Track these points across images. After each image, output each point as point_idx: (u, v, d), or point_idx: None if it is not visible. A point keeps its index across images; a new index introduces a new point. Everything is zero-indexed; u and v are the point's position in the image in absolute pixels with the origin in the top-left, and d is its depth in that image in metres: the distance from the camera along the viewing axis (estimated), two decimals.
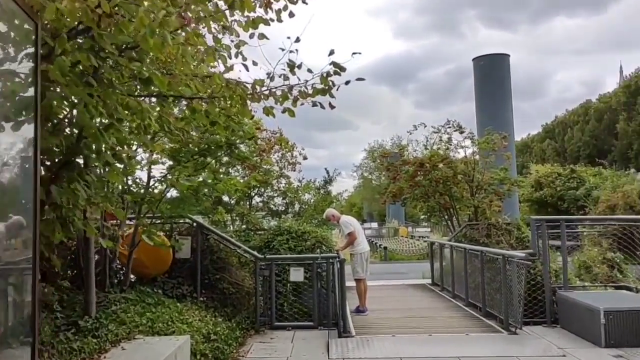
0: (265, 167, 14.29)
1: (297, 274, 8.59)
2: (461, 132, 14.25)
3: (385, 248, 25.38)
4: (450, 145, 14.23)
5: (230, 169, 13.88)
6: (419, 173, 13.80)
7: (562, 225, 8.56)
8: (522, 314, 7.66)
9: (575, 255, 12.21)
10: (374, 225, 45.12)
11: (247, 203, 14.25)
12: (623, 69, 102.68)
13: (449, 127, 14.28)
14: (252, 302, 8.63)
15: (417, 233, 37.82)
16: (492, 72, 18.29)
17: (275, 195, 14.65)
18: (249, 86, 4.42)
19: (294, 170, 14.73)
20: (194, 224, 8.62)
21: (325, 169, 15.35)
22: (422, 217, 26.78)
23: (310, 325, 8.55)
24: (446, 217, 14.47)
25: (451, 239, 13.39)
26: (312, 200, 14.72)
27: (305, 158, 15.25)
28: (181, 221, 8.66)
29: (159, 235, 6.37)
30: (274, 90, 4.38)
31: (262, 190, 14.42)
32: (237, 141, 7.56)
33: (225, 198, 14.36)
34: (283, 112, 4.34)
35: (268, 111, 4.50)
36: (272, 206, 14.36)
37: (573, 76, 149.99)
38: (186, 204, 7.58)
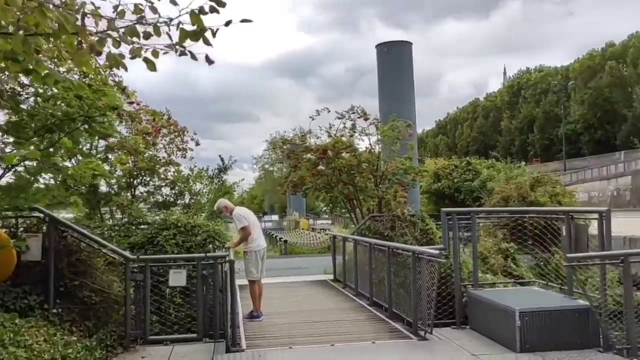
0: (150, 152, 12.60)
1: (177, 278, 7.21)
2: (366, 119, 13.48)
3: (285, 241, 24.35)
4: (355, 132, 13.42)
5: (109, 154, 12.07)
6: (321, 161, 12.84)
7: (472, 218, 7.93)
8: (434, 316, 6.87)
9: (470, 246, 11.78)
10: (275, 217, 44.05)
11: (130, 193, 12.47)
12: (507, 71, 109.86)
13: (353, 113, 13.45)
14: (122, 313, 7.13)
15: (318, 225, 37.32)
16: (395, 60, 17.78)
17: (163, 184, 12.99)
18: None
19: (184, 157, 13.17)
20: (46, 218, 6.92)
21: (220, 156, 13.96)
22: (324, 208, 26.11)
23: (194, 337, 7.22)
24: (349, 208, 13.67)
25: (354, 231, 12.60)
26: (204, 191, 13.24)
27: (197, 144, 13.70)
28: (32, 215, 6.93)
29: None
30: (121, 28, 3.03)
31: (147, 179, 12.71)
32: (97, 113, 6.00)
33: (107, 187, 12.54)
34: (132, 57, 3.01)
35: (115, 60, 3.15)
36: (158, 197, 12.69)
37: (462, 77, 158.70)
38: (27, 191, 5.92)
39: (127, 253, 7.21)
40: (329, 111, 13.59)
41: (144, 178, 12.64)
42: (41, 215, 6.89)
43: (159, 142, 13.00)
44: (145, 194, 12.60)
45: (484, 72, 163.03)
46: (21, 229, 6.90)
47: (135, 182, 12.53)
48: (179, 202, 13.02)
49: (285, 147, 13.49)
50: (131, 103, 11.26)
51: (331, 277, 12.89)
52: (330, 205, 13.82)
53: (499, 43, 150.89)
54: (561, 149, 61.91)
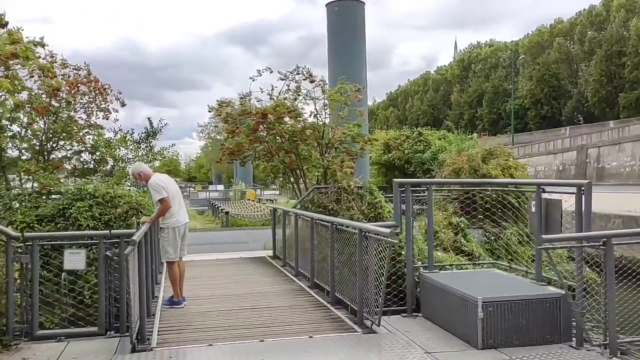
0: (66, 112, 10.97)
1: (74, 259, 5.89)
2: (312, 81, 12.26)
3: (227, 213, 23.02)
4: (299, 95, 12.20)
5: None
6: (261, 127, 11.59)
7: (429, 190, 6.92)
8: (383, 305, 5.87)
9: (420, 220, 10.98)
10: (220, 187, 42.43)
11: (42, 158, 10.85)
12: (457, 45, 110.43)
13: (298, 74, 12.21)
14: (3, 303, 5.78)
15: (265, 196, 36.14)
16: (346, 20, 16.54)
17: (83, 149, 11.41)
18: None
19: (107, 119, 11.60)
20: None
21: (148, 118, 12.43)
22: (268, 179, 24.90)
23: (94, 332, 5.97)
24: (292, 179, 12.54)
25: (296, 204, 11.52)
26: (128, 157, 11.75)
27: (123, 104, 12.11)
28: None
29: None
30: None
31: (62, 143, 11.10)
32: None
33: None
34: None
35: None
36: (76, 164, 11.12)
37: (413, 50, 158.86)
38: None
39: (8, 229, 5.79)
40: (272, 71, 12.28)
41: (59, 142, 11.05)
42: None
43: (76, 101, 11.36)
44: (62, 159, 11.01)
45: (435, 45, 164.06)
46: None
47: (48, 145, 10.92)
48: (100, 169, 11.52)
49: (223, 110, 12.10)
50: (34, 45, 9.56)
51: (271, 253, 11.81)
52: (271, 175, 12.63)
53: (450, 17, 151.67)
54: (509, 123, 62.73)
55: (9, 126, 10.29)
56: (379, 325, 5.88)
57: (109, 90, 11.74)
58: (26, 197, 9.59)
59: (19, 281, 5.83)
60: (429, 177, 18.27)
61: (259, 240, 14.80)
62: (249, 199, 30.66)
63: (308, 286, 8.30)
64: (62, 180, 11.19)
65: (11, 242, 5.61)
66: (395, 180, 6.95)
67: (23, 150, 10.70)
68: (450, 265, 7.78)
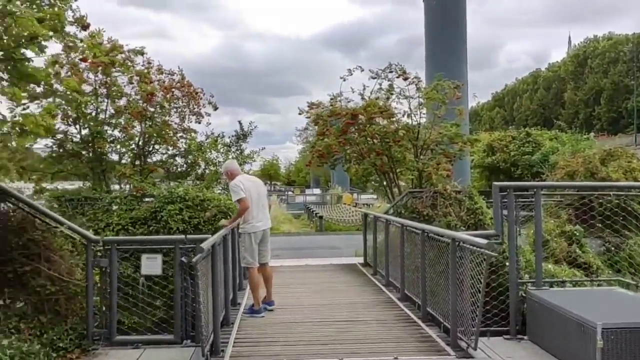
0: (161, 117, 11.22)
1: (151, 265, 5.73)
2: (405, 79, 11.57)
3: (320, 217, 22.77)
4: (392, 94, 11.56)
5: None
6: (351, 128, 11.10)
7: (537, 194, 6.01)
8: (480, 324, 5.11)
9: (528, 228, 9.88)
10: (317, 191, 42.50)
11: (139, 162, 11.17)
12: (572, 40, 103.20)
13: (391, 72, 11.57)
14: (84, 307, 5.75)
15: (362, 200, 35.62)
16: (444, 15, 15.59)
17: (176, 153, 11.63)
18: None
19: (199, 123, 11.72)
20: None
21: (239, 121, 12.41)
22: (368, 183, 24.34)
23: (170, 340, 5.77)
24: (385, 183, 11.90)
25: (388, 209, 10.88)
26: (219, 160, 11.77)
27: (215, 108, 12.23)
28: None
29: None
30: None
31: (157, 147, 11.36)
32: (22, 50, 4.51)
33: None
34: None
35: None
36: (169, 167, 11.34)
37: (521, 48, 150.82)
38: None
39: (89, 232, 5.75)
40: (362, 70, 11.74)
41: (154, 146, 11.32)
42: None
43: (171, 106, 11.59)
44: (156, 163, 11.27)
45: (545, 42, 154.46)
46: None
47: (145, 149, 11.22)
48: (192, 172, 11.66)
49: (313, 112, 11.77)
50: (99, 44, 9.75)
51: (362, 260, 11.25)
52: (363, 178, 12.07)
53: (563, 11, 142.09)
54: (631, 122, 57.15)
55: (108, 131, 10.67)
56: (475, 348, 5.11)
57: (202, 94, 11.87)
58: (122, 199, 9.84)
59: (98, 285, 5.77)
60: (538, 181, 16.77)
61: (351, 246, 14.30)
62: (345, 203, 30.30)
63: (398, 298, 7.64)
64: (157, 184, 11.48)
65: (91, 245, 5.55)
66: (495, 183, 6.11)
67: (122, 154, 11.06)
68: (563, 281, 6.74)
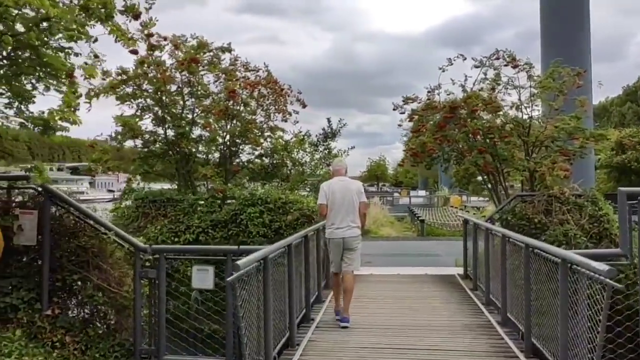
0: (248, 116, 10.81)
1: (203, 277, 5.11)
2: (515, 66, 10.15)
3: (422, 221, 21.41)
4: (498, 84, 10.19)
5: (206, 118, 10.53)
6: (450, 124, 9.91)
7: None
8: None
9: None
10: (422, 193, 40.77)
11: (225, 162, 10.83)
12: None
13: (497, 59, 10.21)
14: (130, 322, 5.30)
15: (472, 203, 33.48)
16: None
17: (263, 153, 11.16)
18: None
19: (285, 121, 11.18)
20: (40, 191, 5.26)
21: (328, 119, 11.66)
22: (470, 185, 22.63)
23: None
24: (489, 185, 10.55)
25: (493, 215, 9.58)
26: (305, 160, 11.15)
27: (304, 106, 11.62)
28: (29, 185, 5.34)
29: None
30: None
31: (242, 147, 10.97)
32: (54, 39, 4.06)
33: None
34: None
35: None
36: (255, 167, 10.88)
37: None
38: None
39: (137, 240, 5.26)
40: (465, 59, 10.48)
41: (240, 146, 10.94)
42: (34, 186, 5.26)
43: (259, 104, 11.15)
44: (238, 163, 10.88)
45: None
46: (13, 204, 5.36)
47: (229, 150, 10.88)
48: (278, 173, 11.13)
49: (408, 104, 10.70)
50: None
51: (461, 271, 10.01)
52: (464, 180, 10.79)
53: None
54: None
55: (194, 131, 10.46)
56: None
57: (289, 92, 11.32)
58: (204, 201, 9.53)
59: (147, 298, 5.28)
60: None
61: (453, 253, 13.01)
62: (452, 206, 28.56)
63: (498, 322, 6.44)
64: (245, 185, 11.10)
65: (140, 254, 5.07)
66: (622, 189, 4.76)
67: (209, 155, 10.81)
68: None
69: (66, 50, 4.63)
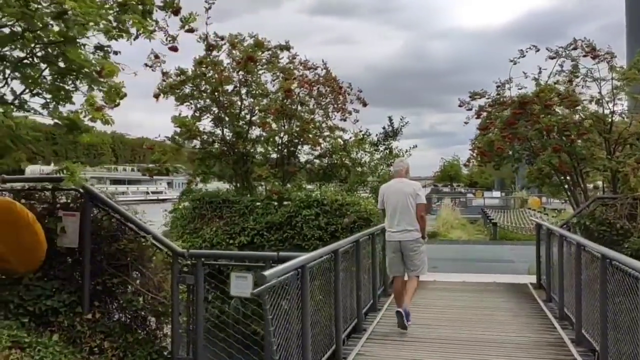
0: (306, 115, 10.56)
1: (241, 284, 4.83)
2: (594, 57, 9.24)
3: (494, 224, 20.27)
4: (577, 76, 9.33)
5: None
6: (520, 119, 9.17)
7: None
8: None
9: None
10: (497, 194, 38.88)
11: (283, 163, 10.63)
12: None
13: (574, 50, 9.35)
14: (167, 331, 5.14)
15: (553, 205, 31.54)
16: None
17: (321, 153, 10.86)
18: None
19: (344, 120, 10.81)
20: (81, 192, 5.20)
21: (389, 117, 11.14)
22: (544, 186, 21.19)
23: None
24: (566, 186, 9.67)
25: (570, 219, 8.76)
26: (365, 160, 10.70)
27: (364, 104, 11.21)
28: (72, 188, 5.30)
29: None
30: None
31: (301, 148, 10.72)
32: (85, 35, 3.93)
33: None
34: None
35: None
36: (312, 167, 10.60)
37: None
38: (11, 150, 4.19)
39: (175, 245, 5.08)
40: (538, 50, 9.68)
41: (298, 146, 10.71)
42: (77, 188, 5.19)
43: (318, 103, 10.88)
44: (295, 164, 10.65)
45: None
46: (57, 205, 5.35)
47: (286, 151, 10.68)
48: (337, 174, 10.79)
49: (474, 99, 10.03)
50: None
51: (534, 280, 9.23)
52: (538, 181, 9.95)
53: None
54: None
55: (252, 131, 10.33)
56: None
57: (349, 90, 10.96)
58: (259, 203, 9.38)
59: (185, 305, 5.10)
60: None
61: (527, 259, 12.13)
62: (530, 208, 26.97)
63: (572, 339, 5.76)
64: (303, 186, 10.87)
65: (177, 259, 4.88)
66: None
67: (267, 155, 10.66)
68: None
69: (105, 48, 4.55)
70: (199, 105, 10.28)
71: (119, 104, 4.68)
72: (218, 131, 10.25)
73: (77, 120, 4.11)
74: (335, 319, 5.21)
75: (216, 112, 10.38)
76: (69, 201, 5.30)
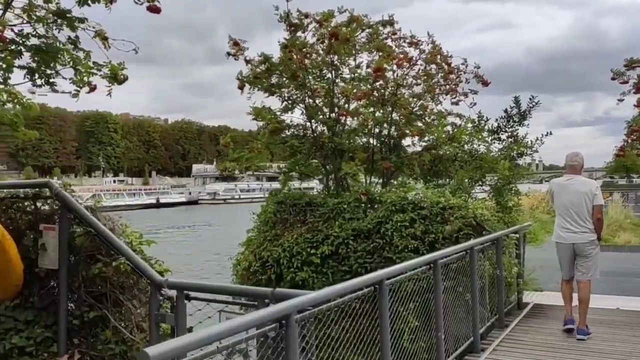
0: (405, 100, 8.86)
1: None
2: None
3: None
4: None
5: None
6: None
7: None
8: None
9: None
10: None
11: (379, 157, 9.01)
12: None
13: None
14: None
15: None
16: None
17: (428, 145, 9.04)
18: None
19: (456, 104, 8.84)
20: (55, 201, 4.20)
21: (515, 96, 8.79)
22: None
23: None
24: None
25: None
26: (479, 150, 8.62)
27: (485, 84, 9.06)
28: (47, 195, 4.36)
29: None
30: None
31: (402, 140, 9.01)
32: None
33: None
34: None
35: None
36: (416, 162, 8.81)
37: None
38: None
39: (153, 271, 3.81)
40: None
41: (398, 138, 9.04)
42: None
43: (411, 79, 9.11)
44: (389, 159, 8.96)
45: None
46: (38, 217, 4.43)
47: (387, 142, 9.08)
48: (445, 170, 8.90)
49: (630, 72, 7.48)
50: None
51: None
52: None
53: None
54: None
55: (343, 121, 8.93)
56: None
57: (464, 68, 8.99)
58: (346, 206, 7.98)
59: None
60: None
61: None
62: None
63: None
64: (409, 185, 9.24)
65: (156, 291, 3.66)
66: None
67: (358, 150, 9.17)
68: None
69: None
70: (286, 96, 9.14)
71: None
72: (306, 123, 9.00)
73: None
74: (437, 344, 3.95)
75: (305, 101, 9.17)
76: (49, 212, 4.34)
